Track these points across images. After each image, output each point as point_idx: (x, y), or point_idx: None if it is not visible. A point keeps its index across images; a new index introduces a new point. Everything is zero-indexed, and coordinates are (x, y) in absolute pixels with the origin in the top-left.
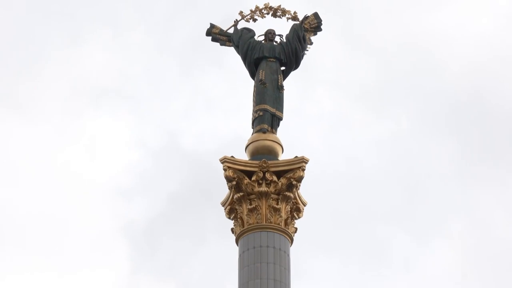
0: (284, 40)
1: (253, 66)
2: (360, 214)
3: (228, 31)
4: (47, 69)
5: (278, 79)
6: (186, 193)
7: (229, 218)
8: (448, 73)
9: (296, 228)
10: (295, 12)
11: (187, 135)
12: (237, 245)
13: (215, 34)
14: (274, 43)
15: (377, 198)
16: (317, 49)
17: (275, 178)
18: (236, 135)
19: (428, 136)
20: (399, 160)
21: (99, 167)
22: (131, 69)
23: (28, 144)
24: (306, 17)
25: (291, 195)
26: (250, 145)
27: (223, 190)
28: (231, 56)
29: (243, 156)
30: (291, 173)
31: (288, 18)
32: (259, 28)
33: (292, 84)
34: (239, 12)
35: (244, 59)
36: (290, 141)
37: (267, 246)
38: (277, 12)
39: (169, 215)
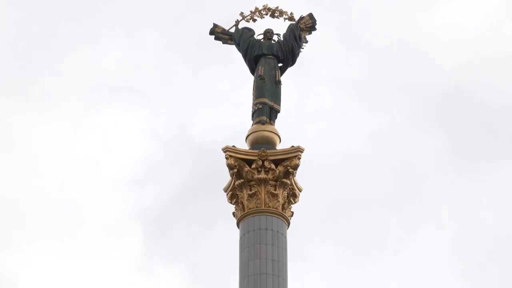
0: (282, 39)
1: (253, 63)
2: (354, 201)
3: (230, 30)
4: (67, 66)
5: (276, 75)
6: (195, 181)
7: (231, 203)
8: (438, 70)
9: (292, 212)
10: (291, 13)
11: (195, 127)
12: (238, 228)
13: (218, 33)
14: (272, 41)
15: (371, 186)
16: (315, 47)
17: (273, 166)
18: (241, 127)
19: (419, 129)
20: (392, 151)
21: (114, 157)
22: (144, 66)
23: (48, 135)
24: (301, 18)
25: (288, 181)
26: (250, 136)
27: (227, 178)
28: (235, 53)
29: (244, 146)
30: (288, 161)
31: (285, 19)
32: (258, 27)
33: (292, 80)
34: (240, 13)
35: (245, 56)
36: (288, 132)
37: (266, 229)
38: (275, 13)
39: (179, 202)
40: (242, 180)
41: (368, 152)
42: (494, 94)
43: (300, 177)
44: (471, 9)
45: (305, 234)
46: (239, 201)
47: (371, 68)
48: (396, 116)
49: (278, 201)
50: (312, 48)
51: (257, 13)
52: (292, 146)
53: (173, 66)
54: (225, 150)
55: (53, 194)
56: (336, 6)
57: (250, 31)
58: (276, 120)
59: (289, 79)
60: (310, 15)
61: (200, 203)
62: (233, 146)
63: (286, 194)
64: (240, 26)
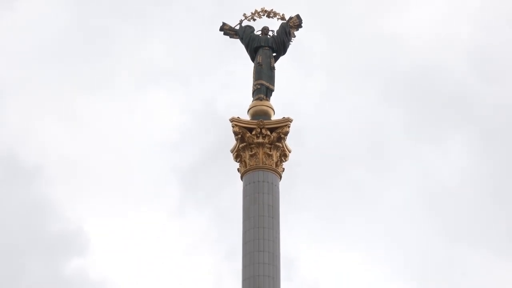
0: (275, 34)
1: (253, 53)
2: (338, 160)
3: (235, 27)
4: (122, 56)
5: (270, 62)
6: (217, 144)
7: (236, 161)
8: (405, 59)
9: (283, 168)
10: (283, 14)
11: (220, 103)
12: (242, 180)
13: (226, 29)
14: (268, 36)
15: (351, 150)
16: (310, 41)
17: (268, 132)
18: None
19: (388, 106)
20: (368, 123)
21: (157, 126)
22: (181, 56)
23: (107, 110)
24: (291, 18)
25: (280, 145)
26: (251, 109)
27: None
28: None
29: (246, 117)
30: (280, 129)
31: (278, 18)
32: (257, 25)
33: (289, 66)
34: (243, 14)
35: (247, 47)
36: (283, 107)
37: (263, 181)
38: (270, 14)
39: (206, 160)
40: (244, 144)
41: (349, 123)
42: (445, 79)
43: (291, 141)
44: (431, 12)
45: (295, 184)
46: (242, 160)
47: (352, 57)
48: (371, 95)
49: (273, 160)
50: (307, 42)
51: (256, 14)
52: (283, 118)
53: (204, 56)
54: (232, 120)
55: (110, 156)
56: (322, 8)
57: (251, 28)
58: (271, 97)
59: (287, 66)
60: (298, 16)
61: (221, 161)
62: (238, 117)
63: (279, 155)
64: (243, 24)
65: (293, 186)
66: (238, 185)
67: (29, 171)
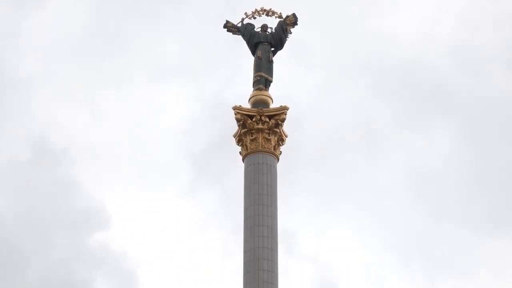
0: (273, 31)
1: (253, 47)
2: (333, 146)
3: (237, 25)
4: (137, 52)
5: (269, 56)
6: (225, 130)
7: (238, 145)
8: (394, 55)
9: (281, 152)
10: (280, 13)
11: (228, 94)
12: (243, 162)
13: (229, 27)
14: (267, 32)
15: (345, 136)
16: (307, 39)
17: (267, 119)
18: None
19: (379, 97)
20: (360, 112)
21: (171, 114)
22: (192, 52)
23: (125, 101)
24: (287, 16)
25: (278, 130)
26: (252, 98)
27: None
28: None
29: (247, 106)
30: (278, 116)
31: (276, 17)
32: (257, 23)
33: (288, 60)
34: (244, 13)
35: (248, 43)
36: (282, 97)
37: (262, 163)
38: (269, 13)
39: (215, 144)
40: (246, 129)
41: (343, 113)
42: (431, 73)
43: (287, 127)
44: (418, 13)
45: (298, 169)
46: (244, 144)
47: (346, 53)
48: (363, 88)
49: (271, 144)
50: (305, 38)
51: (256, 13)
52: (281, 106)
53: (212, 52)
54: (234, 108)
55: (128, 141)
56: (319, 8)
57: (251, 26)
58: (270, 88)
59: (287, 60)
60: (293, 14)
61: (227, 146)
62: (240, 105)
63: (276, 139)
64: (245, 22)
65: (294, 169)
66: (242, 167)
67: (56, 154)
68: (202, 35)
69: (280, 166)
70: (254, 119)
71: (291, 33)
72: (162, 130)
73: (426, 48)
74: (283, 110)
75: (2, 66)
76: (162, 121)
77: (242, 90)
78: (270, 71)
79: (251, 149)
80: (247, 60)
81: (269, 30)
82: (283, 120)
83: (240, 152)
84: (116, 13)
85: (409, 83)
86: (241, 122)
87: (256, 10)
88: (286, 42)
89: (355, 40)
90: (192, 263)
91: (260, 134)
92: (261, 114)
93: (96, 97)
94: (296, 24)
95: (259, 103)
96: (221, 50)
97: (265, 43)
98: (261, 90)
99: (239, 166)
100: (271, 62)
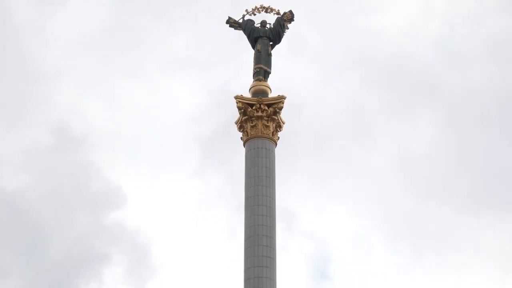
0: (272, 26)
1: (253, 42)
2: (328, 132)
3: (239, 21)
4: (150, 47)
5: (268, 49)
6: (231, 119)
7: (239, 131)
8: (381, 50)
9: (278, 137)
10: (278, 10)
11: (234, 85)
12: (244, 147)
13: (231, 23)
14: (266, 28)
15: (337, 123)
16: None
17: (266, 107)
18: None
19: (370, 87)
20: (352, 101)
21: (181, 104)
22: (202, 46)
23: (140, 92)
24: (284, 13)
25: (276, 117)
26: (252, 88)
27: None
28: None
29: (248, 95)
30: (276, 105)
31: (274, 13)
32: (257, 19)
33: (286, 54)
34: (245, 10)
35: (248, 37)
36: (279, 86)
37: (261, 148)
38: (267, 10)
39: (221, 130)
40: (246, 117)
41: (337, 102)
42: (416, 66)
43: (284, 114)
44: (405, 11)
45: (298, 153)
46: (245, 130)
47: (339, 47)
48: (355, 79)
49: (269, 130)
50: (302, 33)
51: (256, 10)
52: (278, 95)
53: (219, 47)
54: (236, 97)
55: (143, 127)
56: (315, 6)
57: (251, 21)
58: (268, 79)
59: (285, 54)
60: (290, 11)
61: (232, 132)
62: (241, 95)
63: (274, 126)
64: (246, 18)
65: (293, 154)
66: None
67: (77, 139)
68: (210, 31)
69: (280, 151)
70: (254, 107)
71: (288, 28)
72: (173, 117)
73: (412, 43)
74: (280, 99)
75: (28, 59)
76: (173, 110)
77: (246, 81)
78: (268, 63)
79: (251, 135)
80: (250, 54)
81: (268, 25)
82: (280, 108)
83: (241, 138)
84: (132, 11)
85: (397, 75)
86: (242, 110)
87: (256, 7)
88: (284, 36)
89: (348, 36)
90: (200, 238)
91: (260, 121)
92: (260, 102)
93: (113, 87)
94: (293, 20)
95: (259, 93)
96: (228, 44)
97: (264, 37)
98: (260, 80)
99: (243, 150)
100: (269, 55)
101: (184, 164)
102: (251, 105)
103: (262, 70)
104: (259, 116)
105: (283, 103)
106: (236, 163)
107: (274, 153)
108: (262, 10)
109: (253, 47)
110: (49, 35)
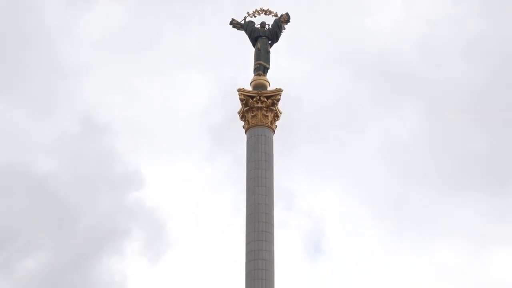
0: (270, 27)
1: (254, 41)
2: (321, 122)
3: (241, 22)
4: (165, 46)
5: (267, 48)
6: (237, 110)
7: (241, 120)
8: (372, 45)
9: (276, 126)
10: (276, 12)
11: (240, 81)
12: (245, 134)
13: (234, 24)
14: (265, 28)
15: (329, 113)
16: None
17: (265, 99)
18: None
19: (359, 81)
20: (343, 93)
21: (193, 97)
22: (211, 45)
23: (156, 86)
24: (282, 15)
25: (274, 108)
26: (252, 82)
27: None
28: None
29: (249, 88)
30: (274, 97)
31: (272, 15)
32: (257, 20)
33: (283, 51)
34: (246, 12)
35: (249, 37)
36: (277, 80)
37: (261, 135)
38: (266, 12)
39: (228, 120)
40: (248, 107)
41: (330, 95)
42: (401, 62)
43: (282, 105)
44: (391, 12)
45: (296, 141)
46: (246, 119)
47: (332, 45)
48: (346, 74)
49: (268, 119)
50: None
51: (256, 12)
52: (276, 88)
53: (227, 46)
54: (238, 90)
55: (159, 118)
56: (311, 7)
57: (252, 23)
58: (267, 74)
59: (283, 51)
60: (287, 14)
61: (238, 122)
62: (243, 88)
63: (273, 115)
64: (247, 20)
65: (290, 141)
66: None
67: (101, 128)
68: (219, 32)
69: (279, 139)
70: (254, 99)
71: (284, 28)
72: (186, 109)
73: (397, 41)
74: (278, 92)
75: (58, 57)
76: (186, 102)
77: (248, 76)
78: (267, 60)
79: (252, 123)
80: (252, 51)
81: (267, 26)
82: (278, 100)
83: (243, 126)
84: (149, 13)
85: (383, 70)
86: (244, 102)
87: (256, 10)
88: (281, 36)
89: (339, 35)
90: (209, 216)
91: (260, 112)
92: (260, 95)
93: (133, 82)
94: (289, 21)
95: (259, 86)
96: (233, 44)
97: (263, 37)
98: (260, 75)
99: (243, 138)
100: (268, 52)
101: (195, 150)
102: (252, 97)
103: (261, 66)
104: (259, 107)
105: (280, 95)
106: (242, 149)
107: (272, 139)
108: (262, 13)
109: (254, 45)
110: (76, 35)
